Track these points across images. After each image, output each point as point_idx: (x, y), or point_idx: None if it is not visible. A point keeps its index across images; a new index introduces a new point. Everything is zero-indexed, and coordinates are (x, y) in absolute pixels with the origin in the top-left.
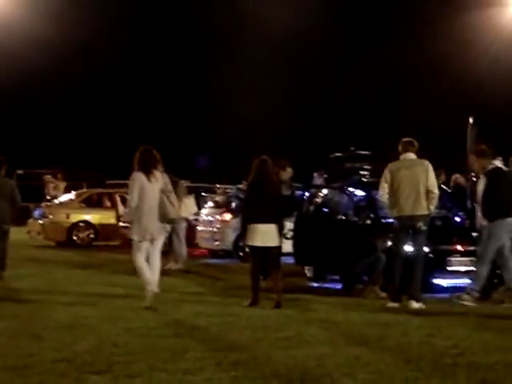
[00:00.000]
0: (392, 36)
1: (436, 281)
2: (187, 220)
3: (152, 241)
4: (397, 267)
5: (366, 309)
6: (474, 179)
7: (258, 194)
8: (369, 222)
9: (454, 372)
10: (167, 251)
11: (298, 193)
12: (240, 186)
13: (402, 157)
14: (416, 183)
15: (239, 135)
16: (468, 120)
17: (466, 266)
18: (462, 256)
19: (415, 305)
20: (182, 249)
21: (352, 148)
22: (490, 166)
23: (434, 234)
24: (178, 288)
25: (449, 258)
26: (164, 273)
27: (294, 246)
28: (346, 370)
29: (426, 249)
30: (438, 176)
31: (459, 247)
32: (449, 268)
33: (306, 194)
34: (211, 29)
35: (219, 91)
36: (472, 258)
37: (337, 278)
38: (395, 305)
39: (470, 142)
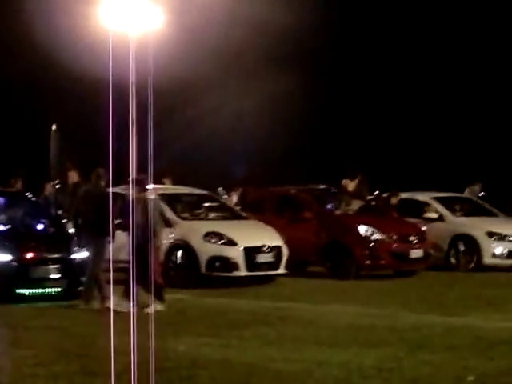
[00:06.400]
0: None
1: (19, 290)
2: None
3: None
4: None
5: None
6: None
7: None
8: None
9: (34, 382)
10: None
11: None
12: None
13: None
14: None
15: None
16: (51, 127)
17: (52, 274)
18: (47, 264)
19: None
20: None
21: None
22: None
23: (19, 242)
24: None
25: (34, 267)
26: None
27: None
28: None
29: (9, 257)
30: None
31: (46, 255)
32: (33, 276)
33: None
34: None
35: None
36: (57, 266)
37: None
38: None
39: (53, 149)
